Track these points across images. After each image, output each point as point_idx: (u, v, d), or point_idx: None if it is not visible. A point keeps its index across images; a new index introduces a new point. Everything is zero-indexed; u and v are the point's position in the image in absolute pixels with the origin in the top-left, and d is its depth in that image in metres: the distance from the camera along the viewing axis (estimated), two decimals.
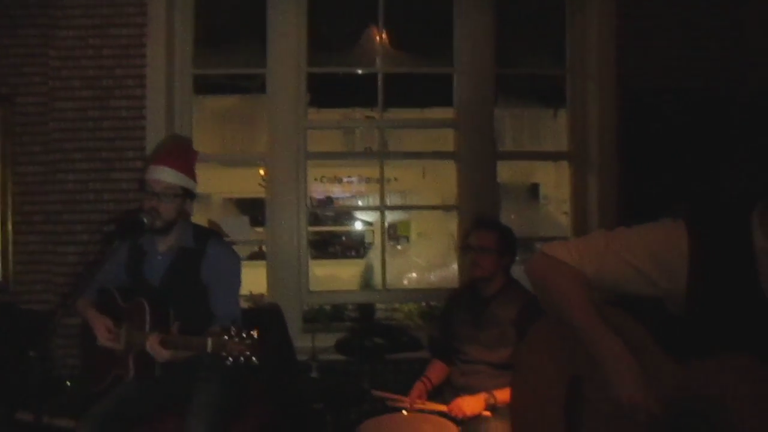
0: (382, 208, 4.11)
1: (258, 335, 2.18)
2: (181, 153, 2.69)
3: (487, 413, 2.64)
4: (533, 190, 5.25)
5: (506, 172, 4.20)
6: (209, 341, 2.19)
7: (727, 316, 1.54)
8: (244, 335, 2.16)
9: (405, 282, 4.72)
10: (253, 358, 2.15)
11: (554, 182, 4.57)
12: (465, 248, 3.05)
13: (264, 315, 3.40)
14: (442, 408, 2.76)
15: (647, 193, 3.57)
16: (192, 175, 2.65)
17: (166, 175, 2.53)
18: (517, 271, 2.85)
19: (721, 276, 1.56)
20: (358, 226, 6.43)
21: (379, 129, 4.11)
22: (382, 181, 4.00)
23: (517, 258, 3.03)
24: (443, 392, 2.95)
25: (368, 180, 6.30)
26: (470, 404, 2.66)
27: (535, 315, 1.89)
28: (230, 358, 2.14)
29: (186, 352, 2.37)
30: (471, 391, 2.74)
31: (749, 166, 1.44)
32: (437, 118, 4.65)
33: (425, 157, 4.74)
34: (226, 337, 2.16)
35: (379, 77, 3.84)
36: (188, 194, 2.61)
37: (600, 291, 1.71)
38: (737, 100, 3.50)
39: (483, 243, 2.90)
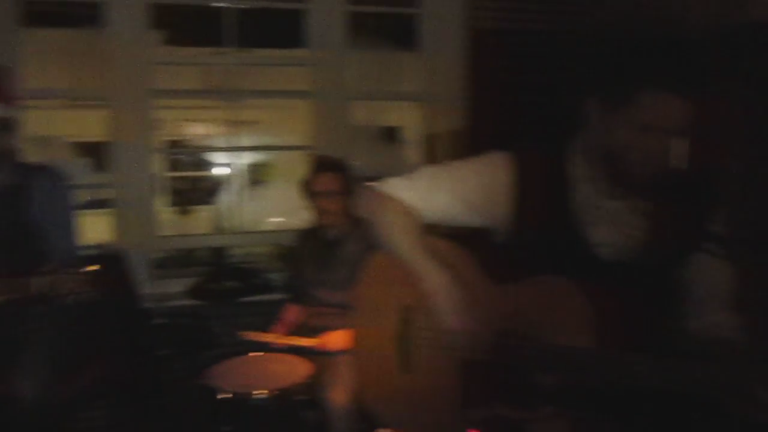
0: (235, 150, 3.99)
1: (98, 271, 2.03)
2: None
3: None
4: (394, 132, 5.31)
5: (365, 113, 4.20)
6: (38, 280, 2.01)
7: (546, 242, 1.64)
8: (81, 271, 2.01)
9: (265, 224, 4.64)
10: (93, 295, 2.01)
11: (416, 125, 4.60)
12: (309, 193, 2.97)
13: (107, 260, 3.22)
14: (312, 343, 2.76)
15: (496, 131, 3.69)
16: (8, 104, 2.38)
17: None
18: None
19: (540, 204, 1.64)
20: (217, 169, 6.23)
21: (231, 68, 3.94)
22: (230, 121, 3.87)
23: None
24: (296, 334, 2.96)
25: (234, 123, 6.07)
26: (334, 341, 2.69)
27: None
28: (66, 296, 1.99)
29: (12, 294, 2.17)
30: (324, 332, 2.76)
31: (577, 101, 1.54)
32: (292, 56, 4.52)
33: (276, 96, 4.61)
34: (59, 274, 2.00)
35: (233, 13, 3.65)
36: (3, 125, 2.35)
37: (432, 222, 1.76)
38: (578, 40, 3.67)
39: (327, 187, 2.86)
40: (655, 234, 1.58)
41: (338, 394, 2.55)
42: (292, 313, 3.03)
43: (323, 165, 2.98)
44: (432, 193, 1.71)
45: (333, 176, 2.89)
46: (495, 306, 1.60)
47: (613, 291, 1.58)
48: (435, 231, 1.75)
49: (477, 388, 1.49)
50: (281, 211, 4.61)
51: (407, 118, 4.79)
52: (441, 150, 3.86)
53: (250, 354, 2.83)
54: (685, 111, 1.43)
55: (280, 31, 4.41)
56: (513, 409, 1.48)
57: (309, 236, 3.07)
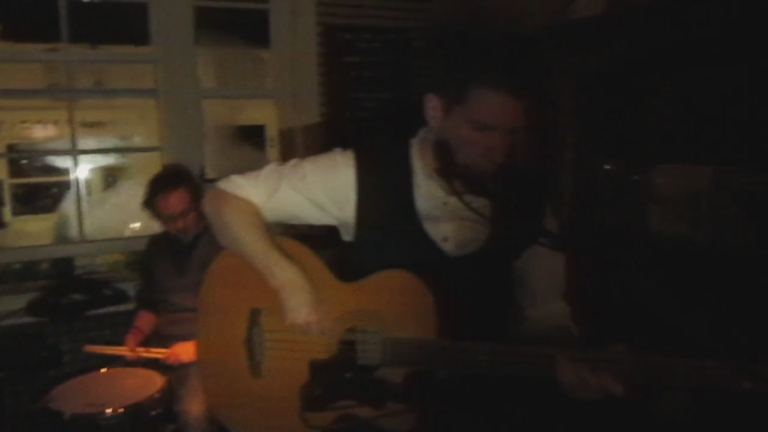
0: (81, 153, 3.72)
1: None
2: None
3: None
4: (258, 130, 5.19)
5: (225, 112, 4.08)
6: None
7: (390, 238, 1.65)
8: None
9: (115, 231, 4.38)
10: None
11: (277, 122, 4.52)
12: (156, 214, 2.81)
13: None
14: (166, 352, 2.65)
15: (348, 128, 3.72)
16: None
17: None
18: None
19: (383, 201, 1.66)
20: (62, 174, 5.82)
21: (73, 65, 3.68)
22: (72, 122, 3.61)
23: None
24: (150, 343, 2.82)
25: (82, 125, 5.68)
26: (186, 351, 2.59)
27: None
28: None
29: None
30: (180, 339, 2.66)
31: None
32: (136, 53, 4.29)
33: (121, 95, 4.36)
34: None
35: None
36: None
37: (276, 222, 1.73)
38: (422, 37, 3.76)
39: (175, 208, 2.73)
40: (495, 228, 1.64)
41: (194, 406, 2.47)
42: (146, 321, 2.89)
43: (165, 183, 2.80)
44: (276, 191, 1.68)
45: (179, 194, 2.75)
46: (341, 300, 1.60)
47: (457, 284, 1.63)
48: (281, 229, 1.73)
49: (327, 388, 1.48)
50: (133, 216, 4.38)
51: (269, 116, 4.71)
52: (298, 147, 3.83)
53: (101, 370, 2.67)
54: (516, 108, 1.49)
55: (125, 26, 4.18)
56: (362, 407, 1.48)
57: (161, 240, 2.94)
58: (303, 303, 1.58)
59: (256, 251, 1.63)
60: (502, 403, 1.65)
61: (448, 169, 1.46)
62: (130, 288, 3.25)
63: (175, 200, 2.73)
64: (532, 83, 1.49)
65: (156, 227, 2.96)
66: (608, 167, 2.54)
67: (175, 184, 2.78)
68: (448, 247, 1.63)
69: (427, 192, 1.64)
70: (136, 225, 4.26)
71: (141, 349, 2.71)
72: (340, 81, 3.74)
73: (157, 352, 2.67)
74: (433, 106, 1.57)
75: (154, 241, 3.00)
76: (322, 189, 1.67)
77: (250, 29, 4.12)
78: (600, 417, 1.76)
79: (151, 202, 2.80)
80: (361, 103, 3.73)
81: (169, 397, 2.50)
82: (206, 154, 3.82)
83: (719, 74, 2.29)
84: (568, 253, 1.43)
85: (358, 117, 3.71)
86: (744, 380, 1.26)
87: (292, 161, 1.74)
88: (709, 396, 1.41)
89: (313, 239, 1.76)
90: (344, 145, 1.74)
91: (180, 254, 2.80)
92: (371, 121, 3.61)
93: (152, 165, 3.66)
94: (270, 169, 1.73)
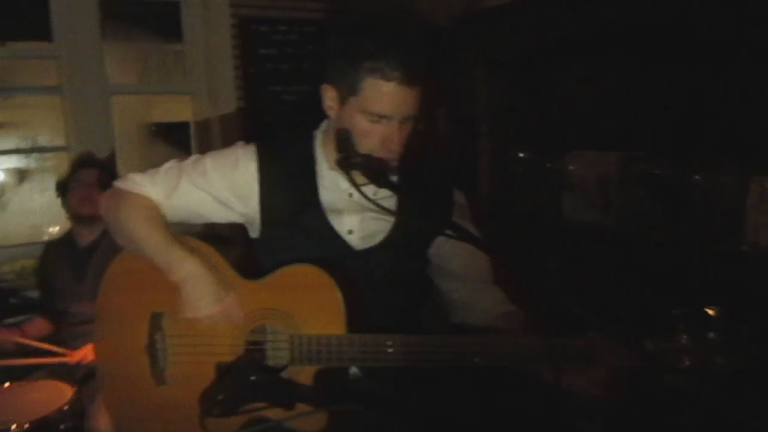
0: None
1: None
2: None
3: None
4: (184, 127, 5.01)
5: (140, 109, 3.92)
6: None
7: (295, 232, 1.60)
8: None
9: (18, 236, 4.11)
10: None
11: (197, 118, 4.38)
12: (64, 198, 2.82)
13: None
14: (64, 360, 2.49)
15: (267, 121, 3.64)
16: None
17: None
18: None
19: (287, 194, 1.61)
20: None
21: None
22: None
23: None
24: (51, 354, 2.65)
25: None
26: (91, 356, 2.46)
27: None
28: None
29: None
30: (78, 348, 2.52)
31: None
32: (40, 49, 4.06)
33: (23, 93, 4.11)
34: None
35: None
36: None
37: (178, 221, 1.65)
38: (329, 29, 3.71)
39: (90, 178, 2.74)
40: (399, 220, 1.61)
41: (101, 419, 2.35)
42: (35, 327, 2.73)
43: (84, 162, 2.89)
44: (176, 188, 1.61)
45: (92, 172, 2.77)
46: (246, 299, 1.54)
47: (366, 277, 1.59)
48: (183, 228, 1.65)
49: (231, 392, 1.41)
50: (40, 220, 4.15)
51: (188, 112, 4.56)
52: (215, 142, 3.72)
53: (5, 385, 2.51)
54: (409, 97, 1.46)
55: (28, 22, 3.96)
56: (272, 409, 1.42)
57: (58, 246, 2.80)
58: (206, 294, 1.51)
59: (154, 246, 1.55)
60: (413, 399, 1.63)
61: (346, 160, 1.41)
62: (28, 296, 3.09)
63: (89, 176, 2.77)
64: (424, 72, 1.48)
65: (57, 232, 2.85)
66: (522, 155, 2.56)
67: (92, 164, 2.90)
68: (353, 240, 1.60)
69: (331, 184, 1.61)
70: (45, 229, 4.04)
71: (39, 358, 2.55)
72: (256, 74, 3.65)
73: (56, 360, 2.52)
74: (329, 96, 1.54)
75: (51, 247, 2.88)
76: (224, 184, 1.62)
77: (163, 23, 3.97)
78: (513, 407, 1.77)
79: (66, 181, 2.82)
80: (279, 96, 3.65)
81: (79, 410, 2.38)
82: (122, 153, 3.67)
83: (627, 62, 2.34)
84: (477, 245, 1.41)
85: (276, 110, 3.63)
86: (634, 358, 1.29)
87: (193, 157, 1.68)
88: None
89: (218, 238, 1.69)
90: (262, 140, 1.68)
91: (77, 260, 2.67)
92: (290, 114, 3.54)
93: (60, 166, 3.48)
94: (170, 166, 1.66)
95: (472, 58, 2.60)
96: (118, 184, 1.65)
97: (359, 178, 1.49)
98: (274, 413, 1.43)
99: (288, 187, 1.61)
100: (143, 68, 4.10)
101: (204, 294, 1.51)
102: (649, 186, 2.11)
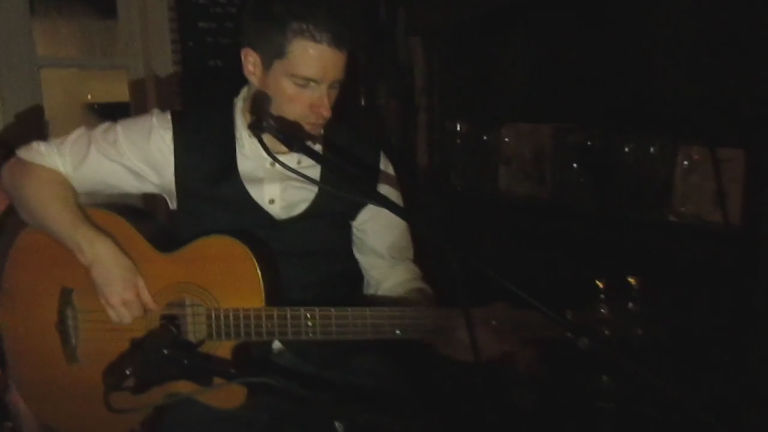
0: None
1: None
2: None
3: None
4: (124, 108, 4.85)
5: (78, 89, 3.76)
6: None
7: (213, 203, 1.55)
8: None
9: None
10: None
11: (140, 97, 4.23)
12: None
13: None
14: None
15: (206, 96, 3.53)
16: None
17: None
18: None
19: (204, 164, 1.55)
20: None
21: None
22: None
23: None
24: None
25: None
26: None
27: None
28: None
29: None
30: None
31: None
32: None
33: None
34: None
35: None
36: None
37: (88, 192, 1.57)
38: None
39: None
40: (322, 189, 1.56)
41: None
42: None
43: None
44: (85, 159, 1.53)
45: None
46: (162, 276, 1.48)
47: (288, 248, 1.55)
48: (93, 199, 1.57)
49: (140, 367, 1.35)
50: None
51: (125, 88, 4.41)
52: None
53: None
54: (338, 60, 1.41)
55: None
56: (186, 384, 1.37)
57: None
58: (117, 279, 1.44)
59: (61, 226, 1.47)
60: (335, 372, 1.60)
61: (258, 123, 1.35)
62: None
63: None
64: (353, 35, 1.44)
65: None
66: (459, 128, 2.54)
67: None
68: (274, 210, 1.55)
69: (252, 152, 1.55)
70: None
71: None
72: (195, 48, 3.54)
73: None
74: (250, 61, 1.47)
75: None
76: (137, 155, 1.54)
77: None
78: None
79: None
80: (220, 71, 3.54)
81: (3, 387, 2.28)
82: (59, 132, 3.52)
83: (560, 33, 2.32)
84: (399, 215, 1.37)
85: (216, 85, 3.52)
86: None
87: (104, 125, 1.59)
88: None
89: (133, 210, 1.62)
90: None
91: None
92: (230, 90, 3.45)
93: None
94: (78, 134, 1.57)
95: (408, 30, 2.56)
96: (21, 153, 1.55)
97: (279, 146, 1.44)
98: (188, 387, 1.38)
99: (205, 156, 1.55)
100: (78, 44, 3.95)
101: (114, 279, 1.44)
102: (580, 157, 2.11)
